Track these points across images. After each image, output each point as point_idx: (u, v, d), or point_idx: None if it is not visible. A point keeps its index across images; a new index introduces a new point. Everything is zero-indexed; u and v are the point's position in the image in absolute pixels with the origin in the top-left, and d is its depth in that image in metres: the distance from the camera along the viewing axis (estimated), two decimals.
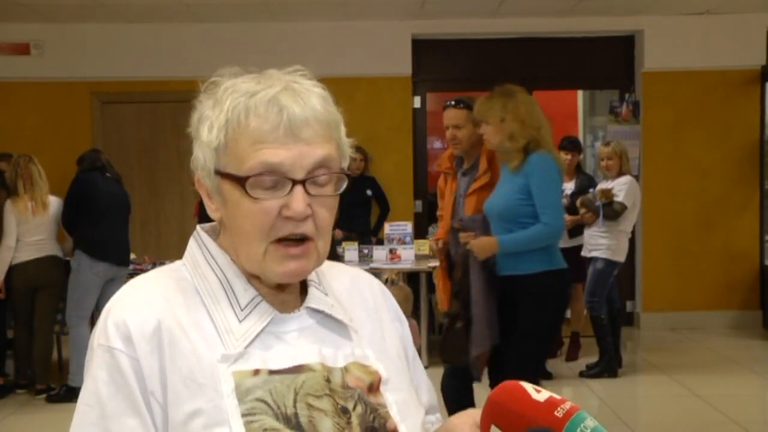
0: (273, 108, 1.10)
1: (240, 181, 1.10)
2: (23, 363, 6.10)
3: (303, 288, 1.23)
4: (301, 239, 1.13)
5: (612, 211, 6.18)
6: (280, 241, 1.12)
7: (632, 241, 8.10)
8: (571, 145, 6.84)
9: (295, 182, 1.10)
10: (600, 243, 6.28)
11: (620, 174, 6.30)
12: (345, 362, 1.18)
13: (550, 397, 1.04)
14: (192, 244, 1.22)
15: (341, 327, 1.21)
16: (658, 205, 7.95)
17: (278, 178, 1.10)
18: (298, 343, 1.16)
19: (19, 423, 5.43)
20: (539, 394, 1.05)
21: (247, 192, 1.10)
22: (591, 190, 6.45)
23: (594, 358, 6.34)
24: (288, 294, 1.21)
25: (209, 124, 1.13)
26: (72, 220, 5.86)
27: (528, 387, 1.06)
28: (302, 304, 1.20)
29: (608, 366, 6.22)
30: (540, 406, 1.03)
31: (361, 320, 1.25)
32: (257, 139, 1.10)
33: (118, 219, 5.98)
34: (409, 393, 1.24)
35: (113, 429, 1.07)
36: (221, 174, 1.13)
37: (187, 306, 1.14)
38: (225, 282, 1.16)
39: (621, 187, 6.22)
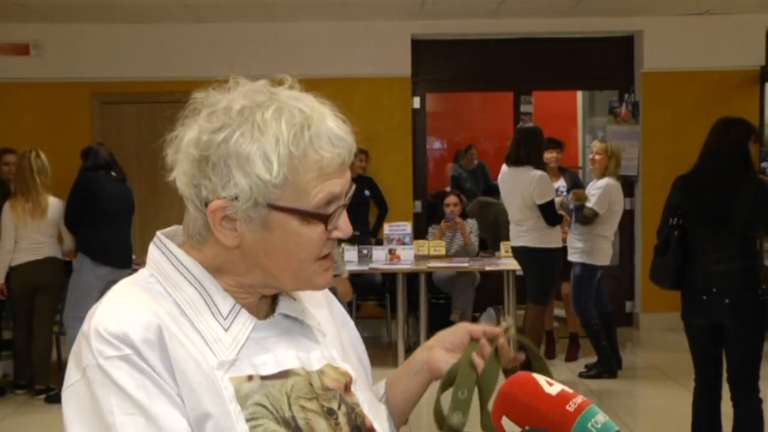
0: (334, 140, 1.12)
1: (318, 218, 1.12)
2: (22, 364, 6.09)
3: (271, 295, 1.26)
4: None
5: (582, 216, 6.11)
6: (320, 258, 1.16)
7: (631, 242, 8.12)
8: (553, 143, 6.73)
9: (344, 206, 1.15)
10: (576, 247, 6.22)
11: (604, 175, 6.18)
12: (319, 365, 1.20)
13: (562, 390, 1.04)
14: (155, 253, 1.18)
15: (309, 331, 1.24)
16: (658, 206, 7.88)
17: (336, 209, 1.14)
18: (277, 349, 1.17)
19: (19, 423, 5.43)
20: (551, 387, 1.05)
21: (327, 228, 1.13)
22: (564, 193, 6.39)
23: (593, 358, 6.34)
24: (264, 300, 1.22)
25: (264, 157, 1.08)
26: (75, 222, 5.83)
27: (540, 379, 1.06)
28: (271, 310, 1.22)
29: (607, 367, 6.22)
30: (552, 400, 1.03)
31: (324, 323, 1.28)
32: (324, 171, 1.11)
33: (122, 221, 5.94)
34: (370, 391, 1.29)
35: (165, 425, 1.05)
36: (279, 208, 1.10)
37: (170, 315, 1.12)
38: (203, 292, 1.15)
39: (595, 192, 6.12)
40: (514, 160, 5.91)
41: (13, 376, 6.21)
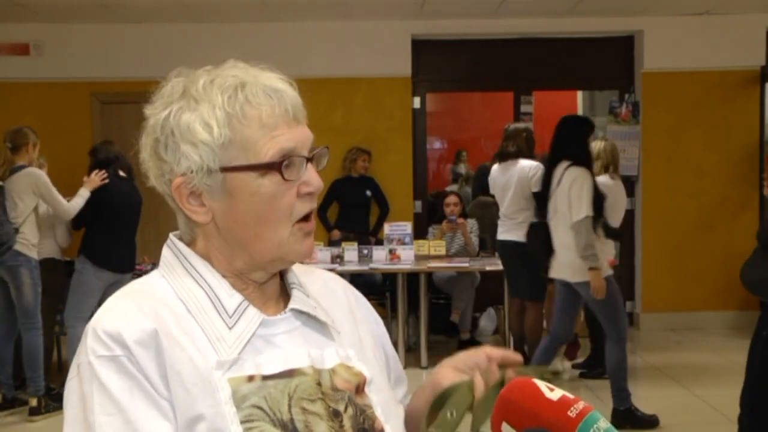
0: (274, 95, 1.13)
1: (270, 168, 1.11)
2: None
3: (282, 291, 1.24)
4: (309, 215, 1.17)
5: None
6: (298, 221, 1.15)
7: (631, 242, 8.12)
8: None
9: (308, 160, 1.15)
10: None
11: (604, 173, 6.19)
12: (332, 364, 1.19)
13: (563, 396, 1.03)
14: (167, 254, 1.21)
15: (324, 328, 1.22)
16: (658, 206, 7.95)
17: (294, 160, 1.13)
18: (287, 346, 1.16)
19: (19, 422, 5.43)
20: (552, 392, 1.04)
21: (283, 176, 1.12)
22: None
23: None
24: (270, 294, 1.21)
25: (202, 123, 1.11)
26: (81, 221, 5.78)
27: (541, 385, 1.05)
28: (284, 306, 1.21)
29: None
30: (553, 405, 1.02)
31: (339, 321, 1.26)
32: (270, 126, 1.12)
33: (127, 223, 5.87)
34: (389, 392, 1.26)
35: (142, 429, 1.05)
36: (232, 168, 1.12)
37: (175, 316, 1.13)
38: (209, 290, 1.16)
39: None
40: (506, 156, 6.14)
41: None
